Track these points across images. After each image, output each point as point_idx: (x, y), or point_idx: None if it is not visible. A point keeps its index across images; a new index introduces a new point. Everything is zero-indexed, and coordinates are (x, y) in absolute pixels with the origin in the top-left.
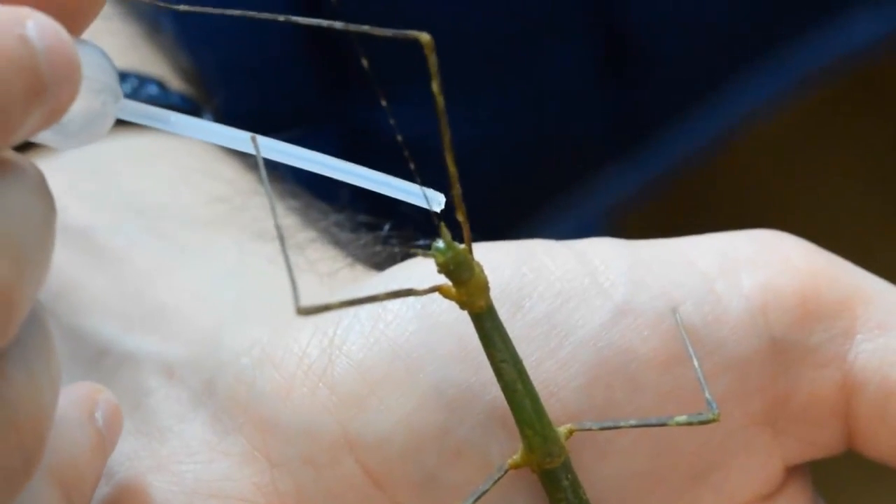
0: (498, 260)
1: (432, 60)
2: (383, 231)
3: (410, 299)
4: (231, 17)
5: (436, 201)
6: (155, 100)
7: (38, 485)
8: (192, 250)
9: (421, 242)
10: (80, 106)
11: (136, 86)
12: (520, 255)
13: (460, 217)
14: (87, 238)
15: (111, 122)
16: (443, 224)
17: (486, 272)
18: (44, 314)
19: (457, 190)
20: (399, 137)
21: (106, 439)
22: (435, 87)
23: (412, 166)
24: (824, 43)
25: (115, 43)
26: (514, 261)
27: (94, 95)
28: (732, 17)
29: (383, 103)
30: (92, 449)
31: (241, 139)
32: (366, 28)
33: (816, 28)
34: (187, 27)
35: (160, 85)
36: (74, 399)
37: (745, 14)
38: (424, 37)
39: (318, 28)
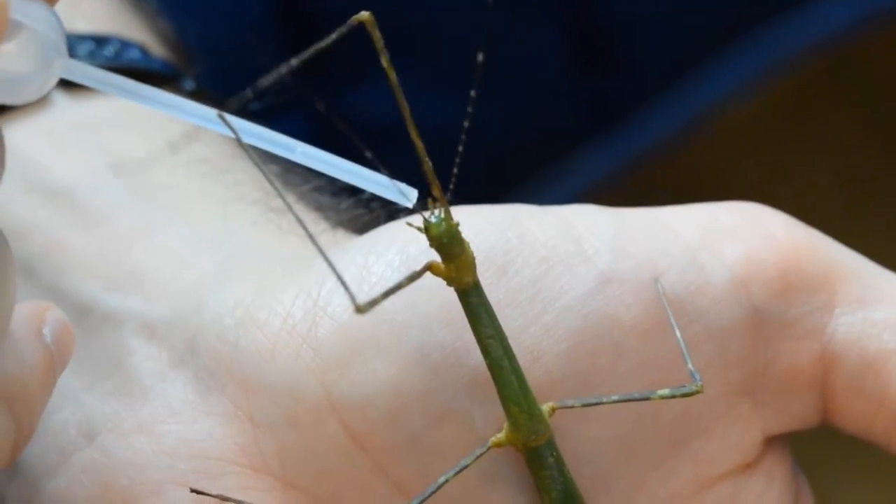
0: (481, 224)
1: (376, 36)
2: (364, 194)
3: (395, 262)
4: None
5: (408, 196)
6: (137, 64)
7: None
8: (174, 211)
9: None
10: (21, 58)
11: (119, 49)
12: (504, 220)
13: (436, 192)
14: (69, 198)
15: (55, 79)
16: (441, 195)
17: (470, 236)
18: (2, 237)
19: (427, 165)
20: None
21: (55, 356)
22: (384, 61)
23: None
24: (797, 29)
25: (97, 9)
26: (499, 226)
27: (37, 47)
28: (705, 2)
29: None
30: (40, 366)
31: (208, 116)
32: (315, 48)
33: (789, 14)
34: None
35: (142, 50)
36: (21, 316)
37: None
38: (363, 15)
39: (293, 12)
